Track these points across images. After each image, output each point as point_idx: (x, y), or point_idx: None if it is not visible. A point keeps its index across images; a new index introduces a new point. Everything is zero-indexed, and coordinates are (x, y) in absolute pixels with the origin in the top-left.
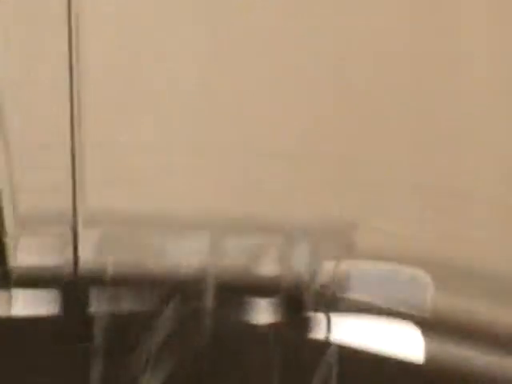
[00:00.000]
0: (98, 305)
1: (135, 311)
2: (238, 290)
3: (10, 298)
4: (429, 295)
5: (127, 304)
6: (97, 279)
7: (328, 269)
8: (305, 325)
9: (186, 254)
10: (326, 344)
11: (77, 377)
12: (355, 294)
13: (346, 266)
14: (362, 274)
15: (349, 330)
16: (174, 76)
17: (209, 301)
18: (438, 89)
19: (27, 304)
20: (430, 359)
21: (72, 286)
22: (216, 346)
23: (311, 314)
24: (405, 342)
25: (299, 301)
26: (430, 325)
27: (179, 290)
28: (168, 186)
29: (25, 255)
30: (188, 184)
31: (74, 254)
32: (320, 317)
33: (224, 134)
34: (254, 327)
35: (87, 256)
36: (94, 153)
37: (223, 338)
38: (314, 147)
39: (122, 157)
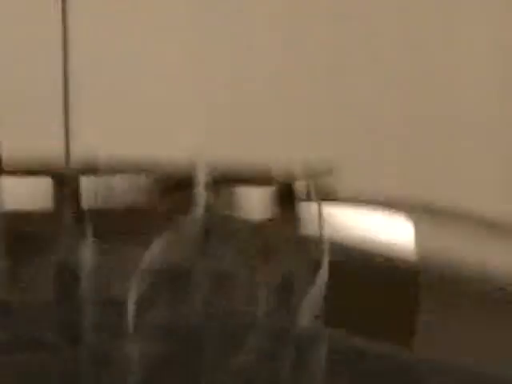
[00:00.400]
0: (91, 198)
1: (129, 206)
2: (230, 182)
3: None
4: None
5: (120, 197)
6: (90, 171)
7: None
8: (297, 217)
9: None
10: (317, 238)
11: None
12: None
13: (327, 209)
14: (343, 217)
15: (341, 224)
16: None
17: (202, 192)
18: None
19: (18, 196)
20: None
21: (63, 177)
22: (209, 239)
23: (303, 205)
24: (396, 236)
25: (291, 192)
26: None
27: (173, 182)
28: None
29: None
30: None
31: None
32: (312, 209)
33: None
34: (247, 220)
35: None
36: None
37: (216, 230)
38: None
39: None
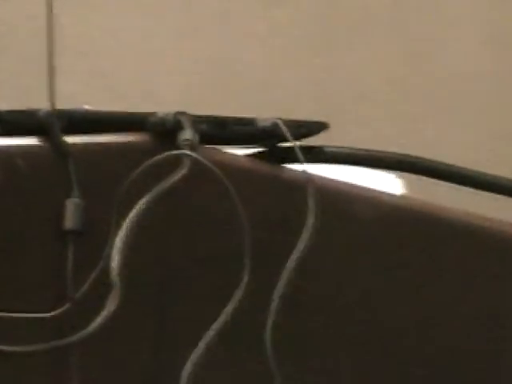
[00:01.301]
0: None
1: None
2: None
3: None
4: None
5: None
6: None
7: None
8: (282, 155)
9: None
10: (303, 177)
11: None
12: None
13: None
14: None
15: (327, 166)
16: None
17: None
18: None
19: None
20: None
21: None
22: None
23: (289, 144)
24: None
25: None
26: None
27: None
28: None
29: None
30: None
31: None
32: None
33: None
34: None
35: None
36: None
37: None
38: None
39: None
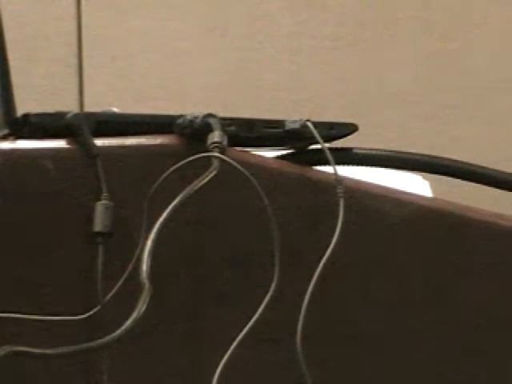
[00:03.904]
0: None
1: None
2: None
3: None
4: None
5: None
6: None
7: None
8: (311, 157)
9: None
10: (332, 178)
11: None
12: None
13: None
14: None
15: (356, 168)
16: None
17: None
18: None
19: None
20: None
21: None
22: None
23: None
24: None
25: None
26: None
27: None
28: None
29: None
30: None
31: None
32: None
33: None
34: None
35: None
36: None
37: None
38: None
39: None
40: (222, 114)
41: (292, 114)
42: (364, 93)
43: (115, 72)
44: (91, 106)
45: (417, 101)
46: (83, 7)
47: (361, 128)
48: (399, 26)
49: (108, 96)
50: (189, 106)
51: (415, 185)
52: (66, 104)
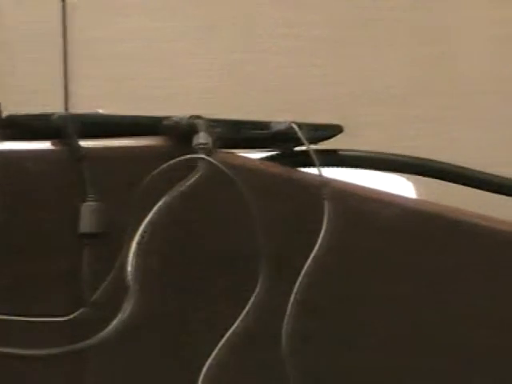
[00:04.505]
0: None
1: None
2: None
3: None
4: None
5: None
6: None
7: None
8: (297, 159)
9: None
10: (318, 180)
11: None
12: None
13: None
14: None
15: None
16: None
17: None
18: None
19: None
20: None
21: None
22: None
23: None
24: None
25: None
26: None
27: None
28: None
29: None
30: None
31: None
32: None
33: None
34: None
35: None
36: None
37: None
38: None
39: None
40: (209, 116)
41: (280, 115)
42: (352, 94)
43: (101, 73)
44: (77, 108)
45: (404, 103)
46: (69, 8)
47: (348, 129)
48: (387, 27)
49: (94, 98)
50: (176, 107)
51: (399, 186)
52: (52, 106)
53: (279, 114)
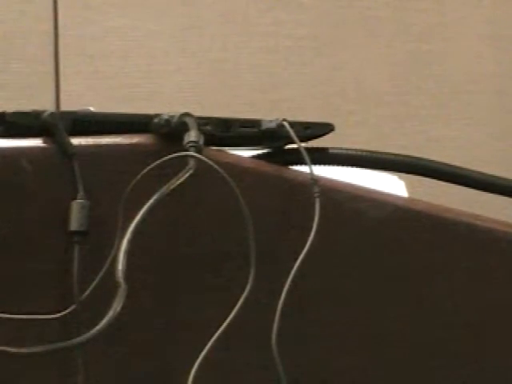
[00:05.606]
0: None
1: None
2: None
3: None
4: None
5: None
6: None
7: None
8: (287, 157)
9: None
10: (308, 178)
11: None
12: None
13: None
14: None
15: (332, 168)
16: None
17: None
18: None
19: None
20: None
21: None
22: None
23: (295, 146)
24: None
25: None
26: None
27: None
28: None
29: None
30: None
31: None
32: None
33: None
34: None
35: None
36: None
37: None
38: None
39: None
40: (198, 114)
41: (269, 114)
42: (340, 93)
43: (92, 71)
44: (68, 105)
45: (393, 101)
46: (60, 6)
47: (338, 128)
48: (376, 26)
49: (84, 95)
50: (165, 105)
51: (391, 185)
52: (43, 103)
53: (267, 112)
